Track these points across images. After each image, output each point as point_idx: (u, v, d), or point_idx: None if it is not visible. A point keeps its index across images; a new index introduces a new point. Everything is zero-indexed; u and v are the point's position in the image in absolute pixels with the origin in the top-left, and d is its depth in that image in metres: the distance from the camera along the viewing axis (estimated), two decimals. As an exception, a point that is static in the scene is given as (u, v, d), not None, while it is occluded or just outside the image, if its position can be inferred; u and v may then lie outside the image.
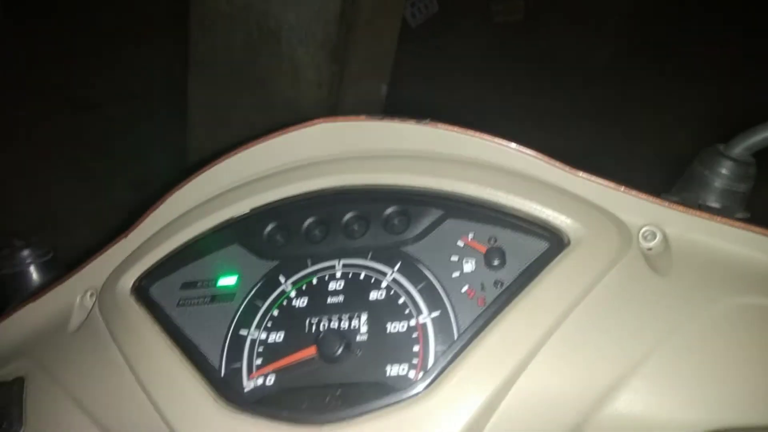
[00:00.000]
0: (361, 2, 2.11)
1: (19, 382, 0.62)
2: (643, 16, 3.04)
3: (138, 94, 2.89)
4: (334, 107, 2.28)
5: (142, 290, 0.61)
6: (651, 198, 0.54)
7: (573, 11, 3.15)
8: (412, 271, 0.55)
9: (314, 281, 0.57)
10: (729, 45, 2.71)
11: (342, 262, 0.58)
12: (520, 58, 3.04)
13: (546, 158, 0.56)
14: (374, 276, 0.56)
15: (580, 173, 0.55)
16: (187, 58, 2.34)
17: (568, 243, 0.53)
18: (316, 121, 0.60)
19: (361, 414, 0.49)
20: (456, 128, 0.58)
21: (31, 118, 2.70)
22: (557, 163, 0.55)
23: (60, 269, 0.70)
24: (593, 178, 0.55)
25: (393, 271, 0.56)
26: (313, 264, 0.58)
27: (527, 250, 0.54)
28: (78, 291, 0.66)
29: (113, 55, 3.00)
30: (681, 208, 0.54)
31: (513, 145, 0.57)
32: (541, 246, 0.54)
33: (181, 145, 2.48)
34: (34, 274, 0.70)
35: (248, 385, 0.53)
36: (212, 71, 2.36)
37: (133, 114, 2.84)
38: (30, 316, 0.67)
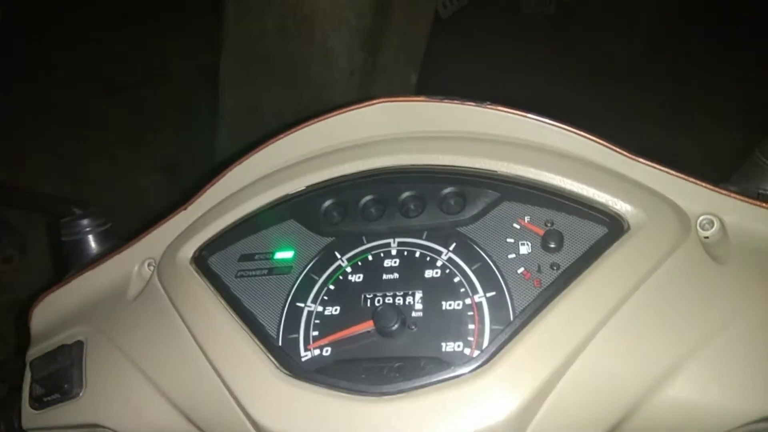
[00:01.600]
0: (396, -11, 2.11)
1: (78, 346, 0.64)
2: (677, 9, 2.99)
3: (169, 77, 2.91)
4: (365, 95, 2.28)
5: (201, 260, 0.63)
6: (710, 186, 0.55)
7: (605, 3, 3.11)
8: (467, 251, 0.56)
9: (370, 258, 0.58)
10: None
11: (397, 240, 0.59)
12: (551, 51, 3.01)
13: (606, 143, 0.56)
14: (429, 255, 0.57)
15: (640, 159, 0.55)
16: (221, 43, 2.36)
17: (628, 229, 0.53)
18: (375, 100, 0.61)
19: (418, 387, 0.50)
20: (515, 111, 0.58)
21: (61, 96, 2.73)
22: (617, 149, 0.56)
23: (116, 239, 0.72)
24: (653, 164, 0.55)
25: (448, 251, 0.56)
26: (368, 241, 0.59)
27: (585, 235, 0.54)
28: (136, 260, 0.67)
29: (146, 38, 3.02)
30: (739, 197, 0.54)
31: (572, 129, 0.57)
32: (599, 231, 0.54)
33: (210, 131, 2.50)
34: (92, 242, 0.72)
35: (305, 355, 0.55)
36: (245, 57, 2.38)
37: (163, 97, 2.86)
38: (89, 284, 0.69)
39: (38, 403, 0.64)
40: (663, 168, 0.55)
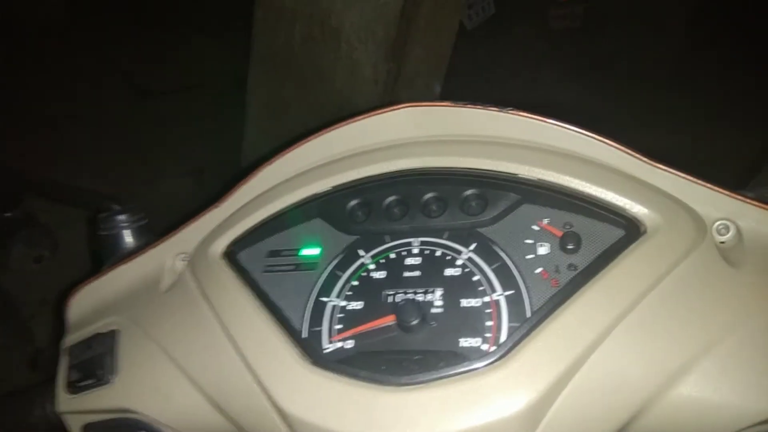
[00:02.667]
0: (422, 0, 2.14)
1: (112, 334, 0.67)
2: (704, 22, 2.98)
3: (199, 85, 2.98)
4: (388, 105, 2.31)
5: (232, 255, 0.66)
6: (726, 192, 0.56)
7: (632, 18, 3.11)
8: (486, 251, 0.58)
9: (392, 256, 0.60)
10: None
11: (419, 239, 0.61)
12: (576, 64, 3.02)
13: (624, 149, 0.58)
14: (450, 254, 0.59)
15: (658, 165, 0.57)
16: (249, 52, 2.42)
17: (645, 232, 0.54)
18: (402, 105, 0.63)
19: (436, 379, 0.52)
20: (536, 116, 0.60)
21: (94, 101, 2.81)
22: (636, 154, 0.57)
23: (152, 234, 0.76)
24: (671, 169, 0.57)
25: (468, 251, 0.58)
26: (391, 240, 0.61)
27: (602, 237, 0.56)
28: (169, 254, 0.71)
29: (178, 46, 3.10)
30: (756, 203, 0.55)
31: (592, 134, 0.59)
32: (616, 233, 0.56)
33: (237, 137, 2.56)
34: (128, 237, 0.75)
35: (329, 347, 0.57)
36: (272, 66, 2.43)
37: (193, 104, 2.93)
38: (124, 276, 0.72)
39: (73, 387, 0.67)
40: (681, 174, 0.56)
